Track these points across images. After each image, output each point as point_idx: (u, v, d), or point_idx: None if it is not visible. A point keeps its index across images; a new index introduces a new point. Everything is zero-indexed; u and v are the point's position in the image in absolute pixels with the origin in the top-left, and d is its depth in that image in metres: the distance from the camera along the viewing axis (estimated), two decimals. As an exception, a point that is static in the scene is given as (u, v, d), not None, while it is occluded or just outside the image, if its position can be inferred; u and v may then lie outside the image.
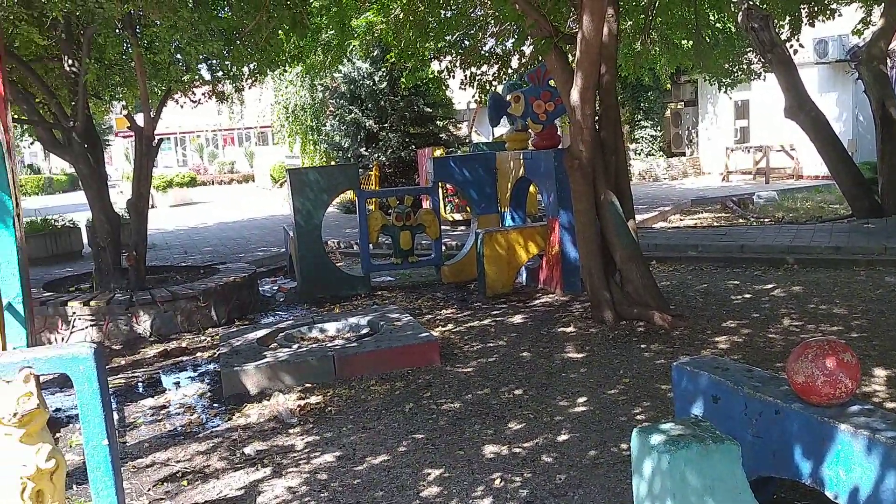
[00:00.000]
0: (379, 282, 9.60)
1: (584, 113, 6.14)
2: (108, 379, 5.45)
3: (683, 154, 23.64)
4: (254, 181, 35.97)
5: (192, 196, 25.53)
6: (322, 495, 3.78)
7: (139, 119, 8.51)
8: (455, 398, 5.05)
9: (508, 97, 8.53)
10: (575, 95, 6.16)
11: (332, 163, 18.32)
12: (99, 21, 6.89)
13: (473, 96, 15.83)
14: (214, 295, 7.90)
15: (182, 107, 12.01)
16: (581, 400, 4.85)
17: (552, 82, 8.19)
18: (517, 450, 4.15)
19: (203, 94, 11.57)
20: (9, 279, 4.62)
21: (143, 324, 7.48)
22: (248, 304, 8.47)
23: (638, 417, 4.50)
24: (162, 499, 3.90)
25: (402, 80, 11.47)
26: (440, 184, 9.92)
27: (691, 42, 11.29)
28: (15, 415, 2.89)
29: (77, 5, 6.43)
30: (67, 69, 8.06)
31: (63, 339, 7.27)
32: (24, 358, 3.00)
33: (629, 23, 10.48)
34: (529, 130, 9.01)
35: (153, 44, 8.06)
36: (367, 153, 16.18)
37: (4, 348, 3.86)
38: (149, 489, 4.01)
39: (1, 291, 3.94)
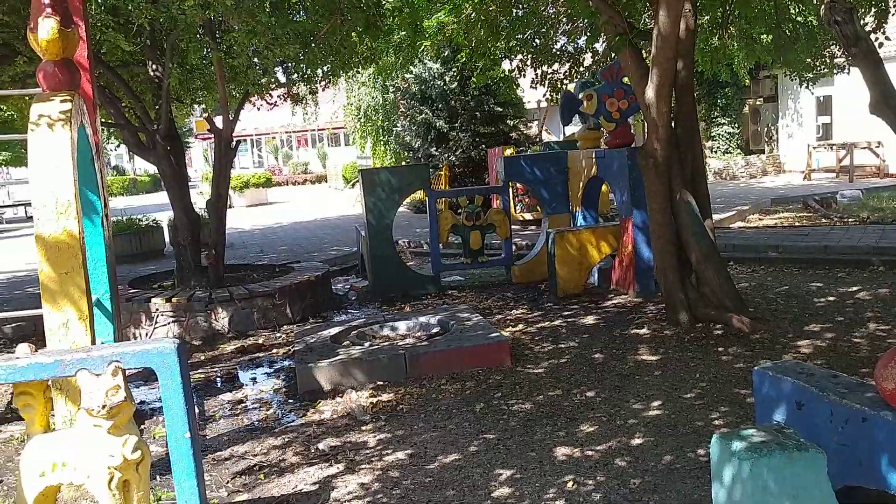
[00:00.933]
0: (449, 281, 9.63)
1: (659, 110, 6.02)
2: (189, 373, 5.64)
3: (762, 152, 22.90)
4: (326, 181, 36.63)
5: (268, 196, 26.16)
6: (394, 492, 3.81)
7: (218, 121, 8.76)
8: (526, 399, 5.02)
9: (581, 95, 8.43)
10: (650, 93, 6.04)
11: (403, 163, 18.51)
12: (181, 27, 7.12)
13: (544, 95, 15.73)
14: (289, 293, 8.07)
15: (259, 109, 12.33)
16: (656, 403, 4.75)
17: (626, 79, 8.05)
18: (590, 452, 4.10)
19: (279, 96, 11.84)
20: (98, 276, 4.83)
21: (222, 320, 7.70)
22: (321, 301, 8.62)
23: (716, 423, 4.39)
24: (240, 491, 4.01)
25: (473, 79, 11.48)
26: (511, 183, 9.87)
27: (771, 36, 10.92)
28: (104, 407, 3.00)
29: (161, 12, 6.66)
30: (151, 74, 8.37)
31: (147, 334, 7.55)
32: (112, 352, 3.12)
33: (706, 17, 10.21)
34: (602, 129, 8.88)
35: (231, 48, 8.28)
36: (437, 153, 16.26)
37: (94, 342, 4.02)
38: (227, 481, 4.13)
39: (91, 288, 4.10)
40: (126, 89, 8.31)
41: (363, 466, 4.17)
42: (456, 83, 16.08)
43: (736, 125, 22.47)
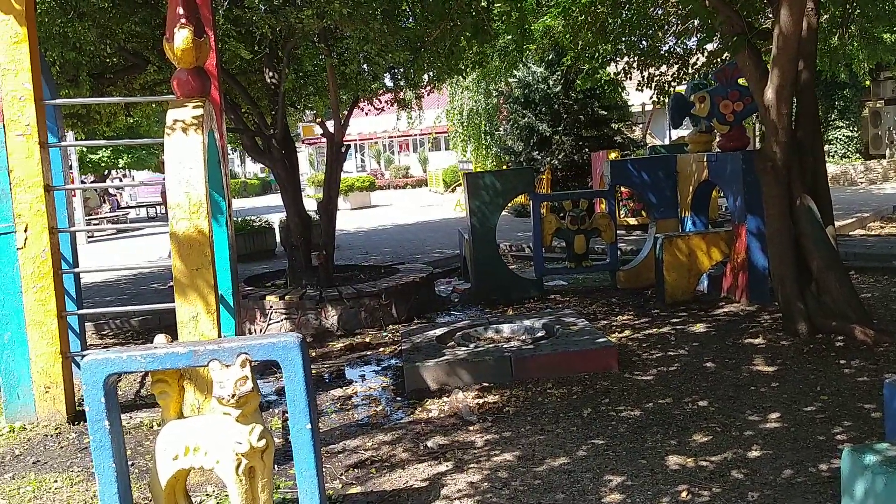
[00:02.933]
0: (551, 285, 9.57)
1: (779, 112, 5.80)
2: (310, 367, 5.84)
3: (883, 156, 21.62)
4: (426, 185, 37.09)
5: (371, 199, 26.73)
6: (503, 492, 3.84)
7: (329, 126, 9.05)
8: (635, 406, 4.94)
9: (692, 98, 8.22)
10: (770, 94, 5.83)
11: (504, 167, 18.53)
12: (298, 35, 7.41)
13: (651, 98, 15.41)
14: (395, 293, 8.24)
15: (367, 114, 12.64)
16: (773, 416, 4.58)
17: (741, 81, 7.80)
18: (704, 463, 4.00)
19: (386, 101, 12.10)
20: (222, 273, 5.08)
21: (331, 318, 7.94)
22: (425, 303, 8.75)
23: (838, 437, 4.19)
24: (353, 483, 4.13)
25: (578, 82, 11.37)
26: (616, 187, 9.71)
27: (895, 36, 10.34)
28: (233, 396, 3.17)
29: (280, 21, 6.95)
30: (268, 80, 8.74)
31: (261, 329, 7.87)
32: (241, 345, 3.29)
33: (825, 16, 9.77)
34: (714, 132, 8.63)
35: (343, 55, 8.55)
36: (539, 157, 16.19)
37: (220, 335, 4.25)
38: (341, 473, 4.26)
39: (218, 284, 4.33)
40: (245, 96, 8.71)
41: (472, 466, 4.21)
42: (560, 87, 15.96)
43: (854, 128, 21.32)
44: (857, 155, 21.39)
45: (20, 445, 5.01)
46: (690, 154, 8.87)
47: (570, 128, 15.91)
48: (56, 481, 4.38)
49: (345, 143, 9.19)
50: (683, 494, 3.66)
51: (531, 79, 16.39)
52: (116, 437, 3.35)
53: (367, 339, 7.53)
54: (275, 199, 33.80)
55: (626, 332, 6.89)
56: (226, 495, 4.02)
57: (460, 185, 23.65)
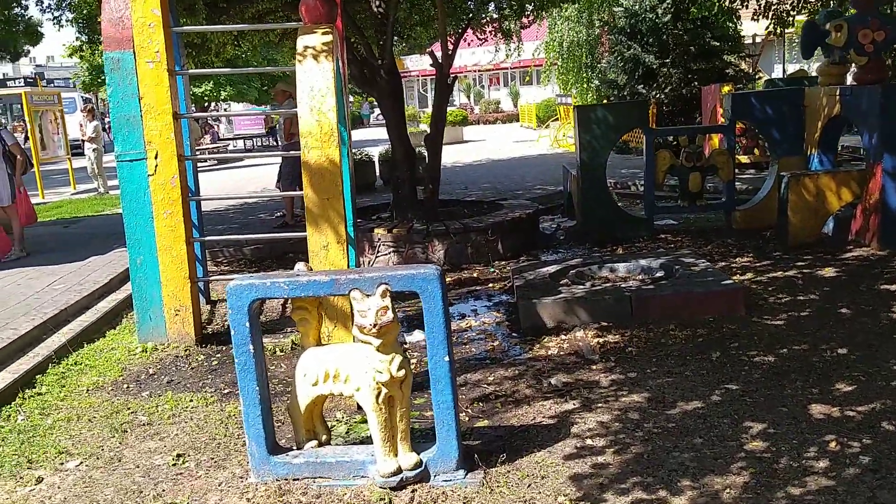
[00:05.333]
0: (660, 225, 9.25)
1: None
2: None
3: None
4: (518, 121, 36.49)
5: (463, 134, 26.50)
6: (637, 434, 3.74)
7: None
8: (767, 351, 4.72)
9: (827, 26, 7.60)
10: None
11: (604, 101, 17.93)
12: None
13: (766, 28, 14.48)
14: (501, 229, 8.14)
15: (469, 44, 12.36)
16: (923, 367, 4.30)
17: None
18: (850, 413, 3.79)
19: (489, 31, 11.77)
20: (346, 206, 5.07)
21: (438, 252, 7.93)
22: (530, 240, 8.63)
23: None
24: (479, 417, 4.12)
25: (693, 9, 10.75)
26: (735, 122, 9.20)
27: None
28: (375, 326, 3.16)
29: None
30: (374, 10, 8.59)
31: (369, 262, 7.94)
32: (381, 275, 3.26)
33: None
34: (848, 64, 7.99)
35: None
36: (644, 91, 15.56)
37: (349, 266, 4.26)
38: (466, 406, 4.25)
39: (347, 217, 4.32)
40: (353, 25, 8.60)
41: (599, 405, 4.13)
42: (669, 15, 15.18)
43: None
44: None
45: (153, 365, 5.23)
46: (821, 87, 8.27)
47: (679, 60, 15.18)
48: (191, 401, 4.55)
49: (452, 74, 9.00)
50: (832, 445, 3.47)
51: (638, 7, 15.66)
52: (259, 361, 3.42)
53: (475, 275, 7.49)
54: (366, 133, 34.03)
55: (749, 275, 6.59)
56: (356, 421, 4.08)
57: (556, 119, 23.12)
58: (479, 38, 12.01)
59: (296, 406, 3.51)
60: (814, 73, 17.43)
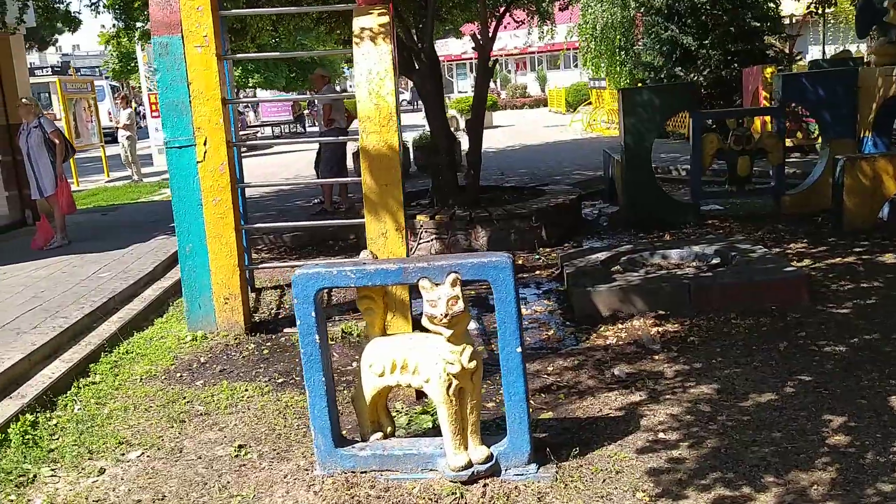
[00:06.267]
0: (707, 210, 9.04)
1: None
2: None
3: None
4: (546, 105, 36.11)
5: (493, 119, 26.23)
6: (711, 427, 3.61)
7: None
8: (837, 341, 4.56)
9: (885, 4, 7.33)
10: None
11: (638, 84, 17.62)
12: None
13: (808, 6, 14.08)
14: (545, 216, 7.99)
15: (505, 27, 12.17)
16: None
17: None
18: (936, 407, 3.63)
19: (527, 13, 11.56)
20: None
21: (481, 239, 7.81)
22: (574, 226, 8.48)
23: None
24: (542, 408, 4.01)
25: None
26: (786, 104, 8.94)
27: None
28: (446, 316, 3.05)
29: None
30: (415, -6, 8.44)
31: (411, 249, 7.84)
32: (451, 263, 3.15)
33: None
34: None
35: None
36: (681, 73, 15.24)
37: (407, 254, 4.15)
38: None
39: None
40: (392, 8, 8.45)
41: (667, 397, 4.00)
42: (708, -4, 14.80)
43: None
44: None
45: (204, 354, 5.18)
46: (876, 68, 8.01)
47: (718, 41, 14.81)
48: (246, 390, 4.49)
49: (493, 57, 8.84)
50: (920, 440, 3.32)
51: (675, -12, 15.28)
52: (325, 351, 3.33)
53: (520, 262, 7.35)
54: (409, 118, 33.82)
55: (806, 262, 6.39)
56: (417, 413, 3.99)
57: (589, 103, 22.82)
58: (515, 21, 11.79)
59: (361, 397, 3.43)
60: (857, 54, 17.03)
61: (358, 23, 4.17)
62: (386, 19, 4.18)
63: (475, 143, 8.63)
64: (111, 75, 29.38)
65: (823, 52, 19.29)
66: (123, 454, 3.72)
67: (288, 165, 16.78)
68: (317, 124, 10.36)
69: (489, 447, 3.28)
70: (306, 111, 33.07)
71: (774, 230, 7.80)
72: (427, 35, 8.37)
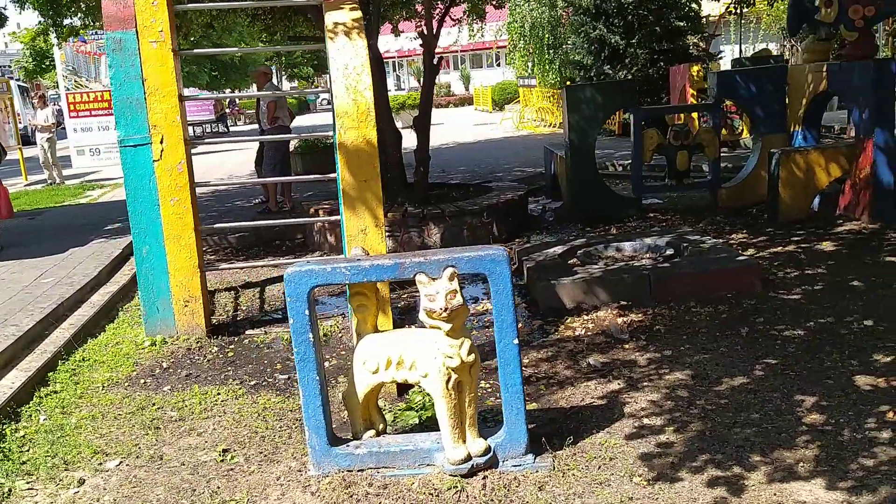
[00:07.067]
0: (647, 204, 9.30)
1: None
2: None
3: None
4: (471, 104, 36.38)
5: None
6: (692, 412, 3.73)
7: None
8: (794, 325, 4.77)
9: (817, 2, 7.68)
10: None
11: (568, 82, 17.96)
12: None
13: (728, 7, 14.63)
14: (496, 211, 8.06)
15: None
16: (953, 336, 4.39)
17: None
18: (897, 384, 3.84)
19: (463, 12, 11.62)
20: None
21: (434, 236, 7.81)
22: (522, 221, 8.58)
23: None
24: (526, 399, 4.03)
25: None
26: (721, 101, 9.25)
27: None
28: (445, 310, 3.06)
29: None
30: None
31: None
32: (447, 257, 3.15)
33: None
34: (834, 41, 8.13)
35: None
36: (610, 71, 15.62)
37: (385, 250, 4.12)
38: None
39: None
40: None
41: (645, 384, 4.10)
42: (634, -4, 15.23)
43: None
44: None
45: (166, 359, 5.02)
46: (805, 65, 8.40)
47: (645, 40, 15.26)
48: (219, 394, 4.37)
49: (437, 55, 8.85)
50: (890, 415, 3.51)
51: (603, -12, 15.66)
52: (318, 350, 3.28)
53: (474, 257, 7.38)
54: (315, 118, 33.44)
55: (750, 251, 6.66)
56: (400, 409, 3.98)
57: (518, 101, 23.11)
58: (452, 19, 11.85)
59: (353, 394, 3.39)
60: (776, 52, 17.80)
61: (330, 17, 4.11)
62: (358, 14, 4.14)
63: (423, 140, 8.63)
64: (21, 75, 28.00)
65: (740, 51, 20.10)
66: (101, 463, 3.57)
67: (219, 166, 16.38)
68: (259, 123, 10.12)
69: (486, 439, 3.30)
70: (228, 110, 32.36)
71: (714, 222, 8.09)
72: (372, 32, 8.31)
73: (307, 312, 3.20)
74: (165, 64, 4.95)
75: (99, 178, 15.73)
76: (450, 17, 11.61)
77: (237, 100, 38.13)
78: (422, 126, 8.63)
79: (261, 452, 3.62)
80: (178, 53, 5.08)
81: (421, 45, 8.50)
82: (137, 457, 3.64)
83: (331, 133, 4.60)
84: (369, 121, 3.95)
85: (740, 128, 13.30)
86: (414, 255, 3.20)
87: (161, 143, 5.03)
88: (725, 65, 17.21)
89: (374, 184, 3.98)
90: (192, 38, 10.81)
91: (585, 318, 5.27)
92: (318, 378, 3.25)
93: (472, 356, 3.18)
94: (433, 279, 3.12)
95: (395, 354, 3.26)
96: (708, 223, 8.06)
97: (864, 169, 7.29)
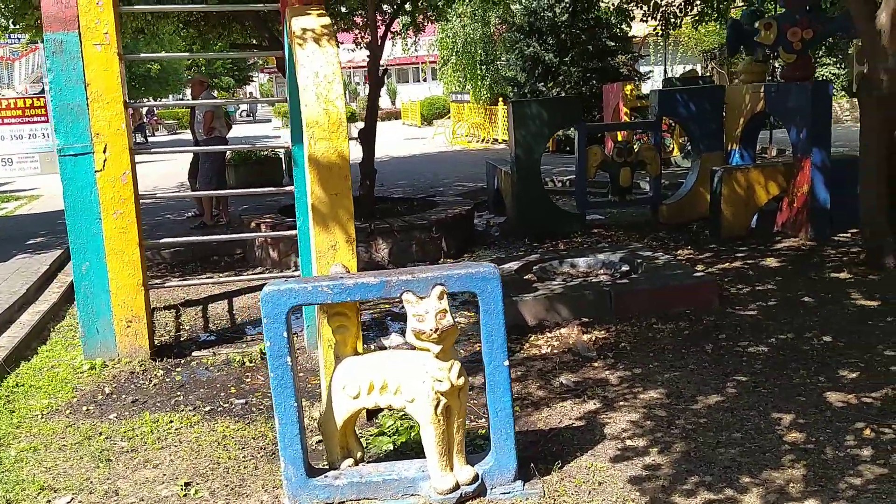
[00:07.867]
0: (590, 220, 9.36)
1: (892, 38, 5.57)
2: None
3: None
4: (398, 118, 36.33)
5: (352, 131, 25.96)
6: (673, 432, 3.67)
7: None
8: (756, 342, 4.81)
9: (757, 25, 7.90)
10: (884, 18, 5.58)
11: (500, 98, 18.09)
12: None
13: (655, 29, 15.05)
14: (445, 226, 7.94)
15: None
16: (910, 351, 4.51)
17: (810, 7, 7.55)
18: (867, 400, 3.89)
19: (402, 26, 11.53)
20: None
21: (382, 251, 7.63)
22: (469, 237, 8.49)
23: None
24: (502, 422, 3.91)
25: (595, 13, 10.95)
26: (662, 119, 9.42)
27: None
28: (436, 330, 2.90)
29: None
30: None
31: (309, 262, 7.52)
32: (436, 275, 3.00)
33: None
34: (770, 62, 8.39)
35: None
36: (544, 88, 15.81)
37: (357, 268, 3.93)
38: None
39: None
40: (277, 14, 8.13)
41: (621, 404, 4.03)
42: (567, 15, 15.49)
43: (842, 66, 21.36)
44: (843, 92, 21.48)
45: (108, 384, 4.66)
46: (742, 85, 8.64)
47: (578, 58, 15.52)
48: (171, 421, 4.07)
49: (382, 66, 8.71)
50: (867, 432, 3.54)
51: (537, 6, 15.87)
52: (295, 375, 3.07)
53: (424, 273, 7.24)
54: (241, 130, 32.68)
55: (699, 267, 6.74)
56: (372, 434, 3.78)
57: (449, 117, 23.14)
58: (391, 32, 11.73)
59: (331, 420, 3.19)
60: (706, 74, 18.38)
61: (298, 23, 3.92)
62: (328, 20, 3.96)
63: (369, 153, 8.45)
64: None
65: (665, 71, 20.73)
66: (50, 501, 3.24)
67: (142, 178, 15.66)
68: (194, 133, 9.71)
69: (472, 465, 3.16)
70: (146, 119, 31.35)
71: (658, 238, 8.19)
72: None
73: (285, 335, 2.99)
74: (110, 68, 4.64)
75: (13, 188, 14.83)
76: (390, 31, 11.50)
77: (155, 109, 36.92)
78: (367, 138, 8.44)
79: (226, 485, 3.36)
80: (122, 57, 4.76)
81: (367, 57, 8.32)
82: (91, 492, 3.32)
83: (285, 144, 4.38)
84: (341, 131, 3.77)
85: (671, 146, 13.64)
86: (401, 273, 3.03)
87: (104, 152, 4.70)
88: (656, 84, 17.69)
89: (346, 198, 3.80)
90: (124, 43, 10.30)
91: (549, 335, 5.19)
92: (295, 405, 3.04)
93: (462, 379, 3.03)
94: (421, 298, 2.96)
95: (378, 378, 3.08)
96: (651, 239, 8.15)
97: (802, 187, 7.51)
